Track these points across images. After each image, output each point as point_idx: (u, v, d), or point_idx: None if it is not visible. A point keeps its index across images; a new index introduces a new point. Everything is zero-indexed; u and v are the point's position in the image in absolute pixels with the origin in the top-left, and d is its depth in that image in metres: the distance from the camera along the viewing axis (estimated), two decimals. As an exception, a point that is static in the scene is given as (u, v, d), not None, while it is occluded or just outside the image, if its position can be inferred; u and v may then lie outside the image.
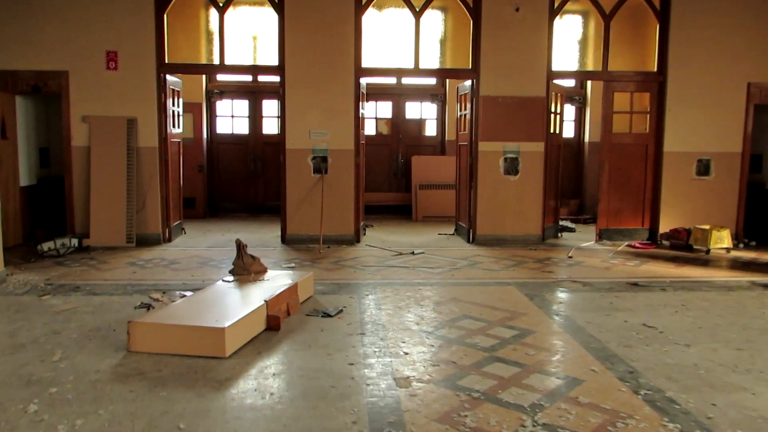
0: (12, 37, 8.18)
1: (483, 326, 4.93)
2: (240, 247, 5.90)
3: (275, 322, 4.77)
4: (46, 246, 7.45)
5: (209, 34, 8.71)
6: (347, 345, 4.47)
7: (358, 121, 8.71)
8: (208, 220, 11.07)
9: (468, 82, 8.94)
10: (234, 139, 11.71)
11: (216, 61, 8.63)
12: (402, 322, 5.02)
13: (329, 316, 5.16)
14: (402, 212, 11.73)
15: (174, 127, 8.94)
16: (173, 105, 8.89)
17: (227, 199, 11.80)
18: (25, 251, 7.86)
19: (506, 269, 7.15)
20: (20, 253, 7.81)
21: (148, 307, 5.41)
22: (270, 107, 11.67)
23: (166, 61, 8.45)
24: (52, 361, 4.11)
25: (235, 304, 4.90)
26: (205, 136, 11.30)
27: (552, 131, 8.95)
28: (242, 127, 11.71)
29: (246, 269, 5.80)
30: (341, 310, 5.32)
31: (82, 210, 8.43)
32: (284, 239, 8.72)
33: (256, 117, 11.65)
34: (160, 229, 8.57)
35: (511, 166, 8.72)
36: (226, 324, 4.21)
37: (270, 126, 11.71)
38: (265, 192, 11.77)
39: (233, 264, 5.88)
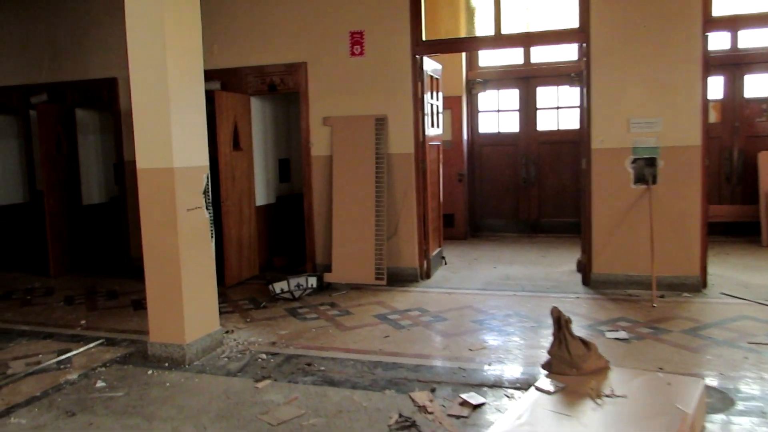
0: (242, 29, 6.78)
1: None
2: (561, 324, 3.37)
3: None
4: (278, 287, 5.76)
5: (477, -2, 6.40)
6: None
7: (705, 102, 5.66)
8: (470, 243, 8.80)
9: None
10: (500, 140, 9.28)
11: (487, 31, 6.25)
12: None
13: None
14: (739, 232, 8.20)
15: (433, 126, 6.80)
16: (432, 98, 6.75)
17: (491, 214, 9.43)
18: (257, 289, 6.33)
19: None
20: (253, 290, 6.29)
21: (411, 426, 3.17)
22: (546, 96, 9.00)
23: (423, 39, 6.32)
24: None
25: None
26: (465, 137, 9.07)
27: None
28: (511, 124, 9.23)
29: (575, 366, 3.24)
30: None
31: (323, 236, 6.71)
32: (587, 280, 6.01)
33: (528, 110, 9.09)
34: (417, 261, 6.48)
35: None
36: None
37: (546, 120, 9.06)
38: (540, 206, 9.15)
39: (550, 354, 3.37)
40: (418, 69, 6.32)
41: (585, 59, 5.86)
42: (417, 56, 6.29)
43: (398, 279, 6.44)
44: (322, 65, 6.54)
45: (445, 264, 7.29)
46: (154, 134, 4.06)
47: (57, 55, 7.57)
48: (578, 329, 4.53)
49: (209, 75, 6.81)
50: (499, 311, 5.29)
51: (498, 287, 6.15)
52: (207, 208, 4.37)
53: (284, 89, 6.70)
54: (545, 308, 5.31)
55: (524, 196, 9.20)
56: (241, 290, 6.33)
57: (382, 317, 5.21)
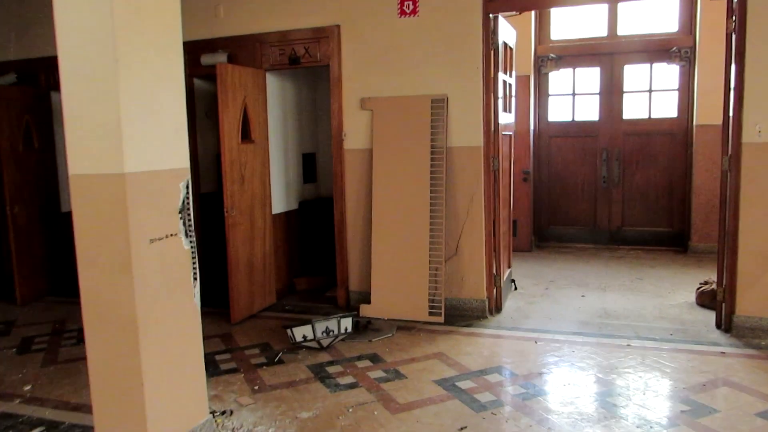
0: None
1: None
2: None
3: None
4: (300, 334, 4.18)
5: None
6: None
7: None
8: (537, 256, 7.14)
9: None
10: (575, 130, 7.55)
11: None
12: None
13: None
14: None
15: (506, 110, 5.15)
16: (505, 73, 5.09)
17: (561, 221, 7.73)
18: (273, 328, 4.77)
19: None
20: (267, 330, 4.74)
21: None
22: (636, 76, 7.23)
23: (498, -8, 4.67)
24: None
25: None
26: (532, 126, 7.38)
27: None
28: (589, 111, 7.49)
29: None
30: None
31: (359, 253, 5.14)
32: (727, 324, 4.31)
33: (612, 93, 7.32)
34: (485, 290, 4.86)
35: None
36: None
37: (635, 106, 7.28)
38: (623, 211, 7.41)
39: None
40: (490, 33, 4.66)
41: (734, 19, 4.13)
42: (490, 15, 4.63)
43: (459, 314, 4.84)
44: (361, 29, 4.93)
45: (515, 289, 5.66)
46: (93, 121, 2.49)
47: (27, 26, 6.09)
48: (745, 416, 2.91)
49: (213, 44, 5.30)
50: (617, 377, 3.64)
51: (599, 330, 4.49)
52: (187, 235, 2.81)
53: (310, 62, 5.10)
54: (686, 372, 3.64)
55: (604, 199, 7.47)
56: (252, 330, 4.78)
57: (449, 385, 3.60)
